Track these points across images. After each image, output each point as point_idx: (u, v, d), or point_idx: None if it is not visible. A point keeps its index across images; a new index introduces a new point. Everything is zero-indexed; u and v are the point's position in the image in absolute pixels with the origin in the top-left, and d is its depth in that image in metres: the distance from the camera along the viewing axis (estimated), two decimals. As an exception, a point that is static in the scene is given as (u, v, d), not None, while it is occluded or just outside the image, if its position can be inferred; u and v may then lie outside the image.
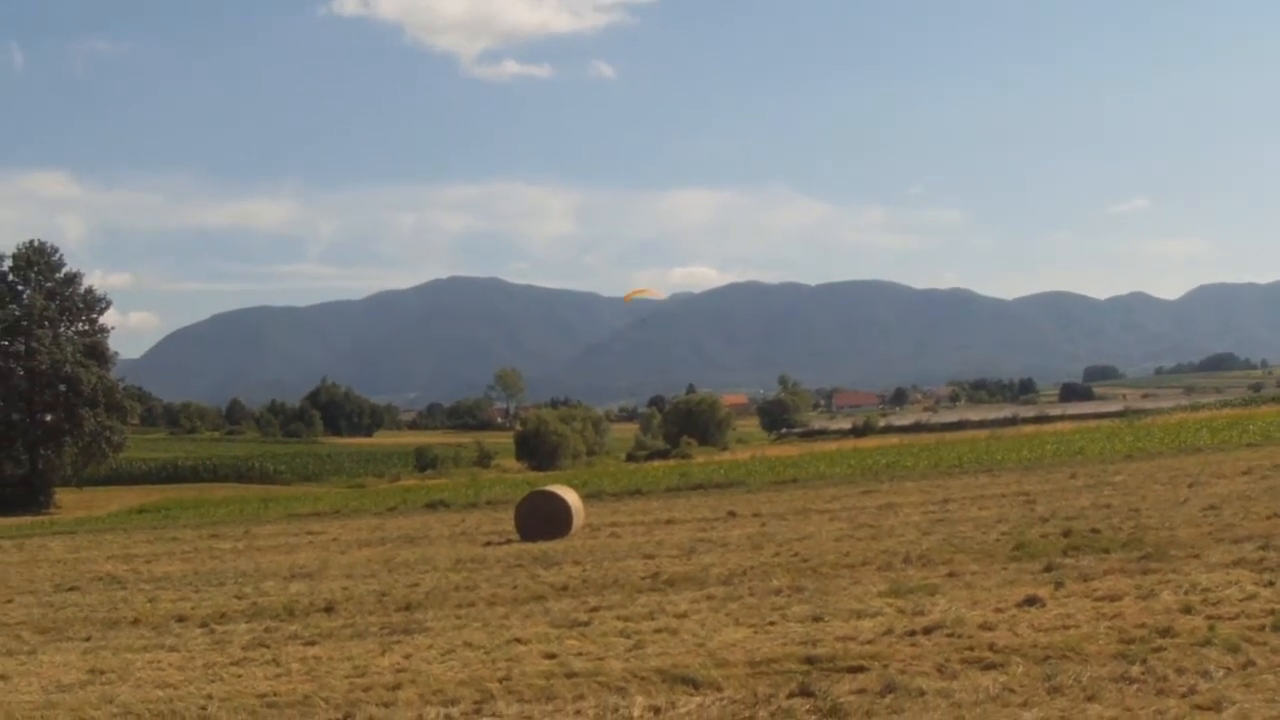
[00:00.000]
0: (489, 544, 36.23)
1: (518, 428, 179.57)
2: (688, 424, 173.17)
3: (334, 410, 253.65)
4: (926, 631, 16.52)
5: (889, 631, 16.80)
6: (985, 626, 16.53)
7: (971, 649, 15.21)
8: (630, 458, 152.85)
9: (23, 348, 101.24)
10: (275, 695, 16.06)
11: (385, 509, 59.59)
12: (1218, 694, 12.22)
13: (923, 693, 13.34)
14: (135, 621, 25.03)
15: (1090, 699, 12.59)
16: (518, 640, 18.77)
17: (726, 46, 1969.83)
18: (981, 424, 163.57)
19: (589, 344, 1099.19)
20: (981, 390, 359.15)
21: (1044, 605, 17.86)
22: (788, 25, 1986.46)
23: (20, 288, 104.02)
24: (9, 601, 30.57)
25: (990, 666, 14.29)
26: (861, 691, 13.63)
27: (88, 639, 23.21)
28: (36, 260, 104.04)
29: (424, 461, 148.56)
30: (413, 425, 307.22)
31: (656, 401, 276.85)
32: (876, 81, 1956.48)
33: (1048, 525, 28.05)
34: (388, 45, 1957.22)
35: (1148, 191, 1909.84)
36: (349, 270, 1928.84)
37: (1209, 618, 15.80)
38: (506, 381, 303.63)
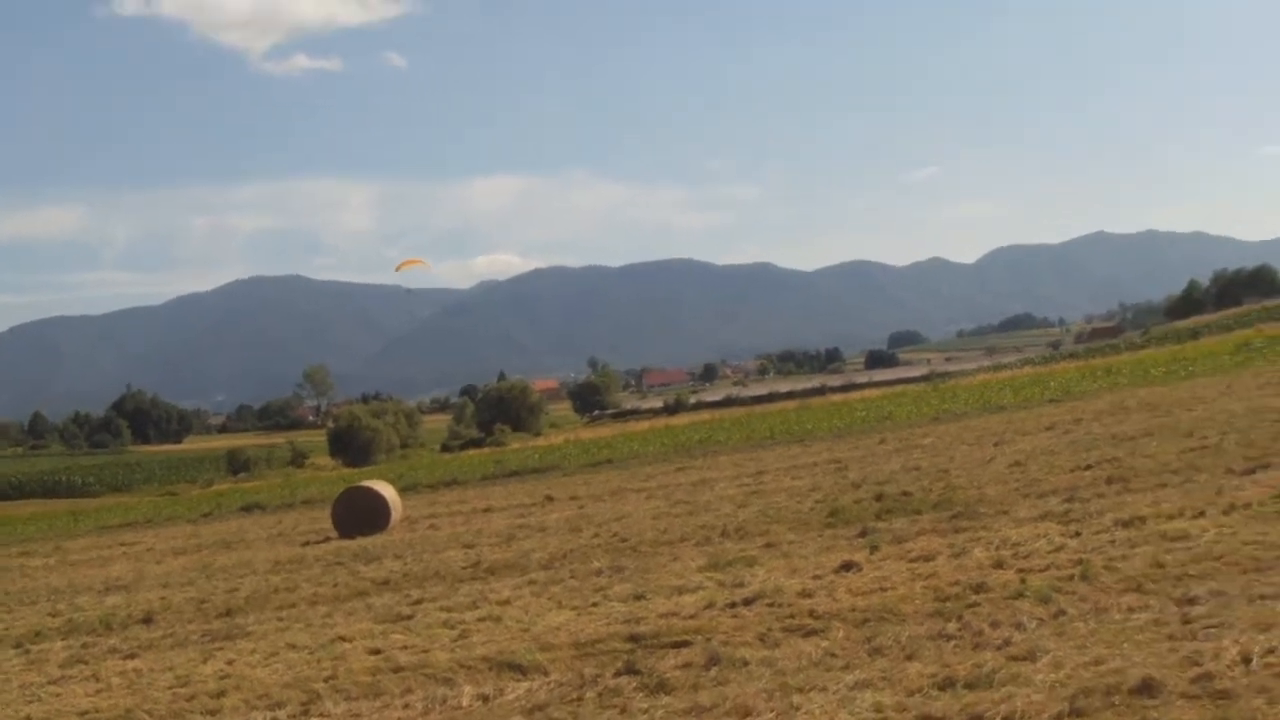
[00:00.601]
0: (307, 544, 36.02)
1: (330, 425, 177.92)
2: (500, 411, 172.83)
3: (141, 418, 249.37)
4: (747, 603, 16.66)
5: (710, 605, 16.92)
6: (804, 594, 16.71)
7: (792, 617, 15.38)
8: (445, 448, 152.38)
9: None
10: (97, 712, 15.83)
11: (199, 515, 59.03)
12: (1032, 644, 12.51)
13: (746, 663, 13.48)
14: (-54, 647, 24.50)
15: (910, 658, 12.82)
16: (342, 638, 18.66)
17: (517, 32, 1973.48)
18: (791, 395, 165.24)
19: (395, 337, 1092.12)
20: (789, 362, 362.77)
21: (860, 569, 18.11)
22: (576, 6, 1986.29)
23: None
24: None
25: (811, 633, 14.47)
26: (687, 665, 13.74)
27: (-103, 670, 22.69)
28: None
29: (237, 465, 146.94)
30: (223, 429, 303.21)
31: (468, 391, 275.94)
32: (668, 60, 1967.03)
33: (860, 491, 28.44)
34: (173, 44, 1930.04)
35: (939, 159, 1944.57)
36: (146, 275, 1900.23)
37: (1020, 571, 16.13)
38: (315, 379, 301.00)
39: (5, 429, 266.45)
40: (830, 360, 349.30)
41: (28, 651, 22.38)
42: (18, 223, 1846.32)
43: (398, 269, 60.55)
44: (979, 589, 15.37)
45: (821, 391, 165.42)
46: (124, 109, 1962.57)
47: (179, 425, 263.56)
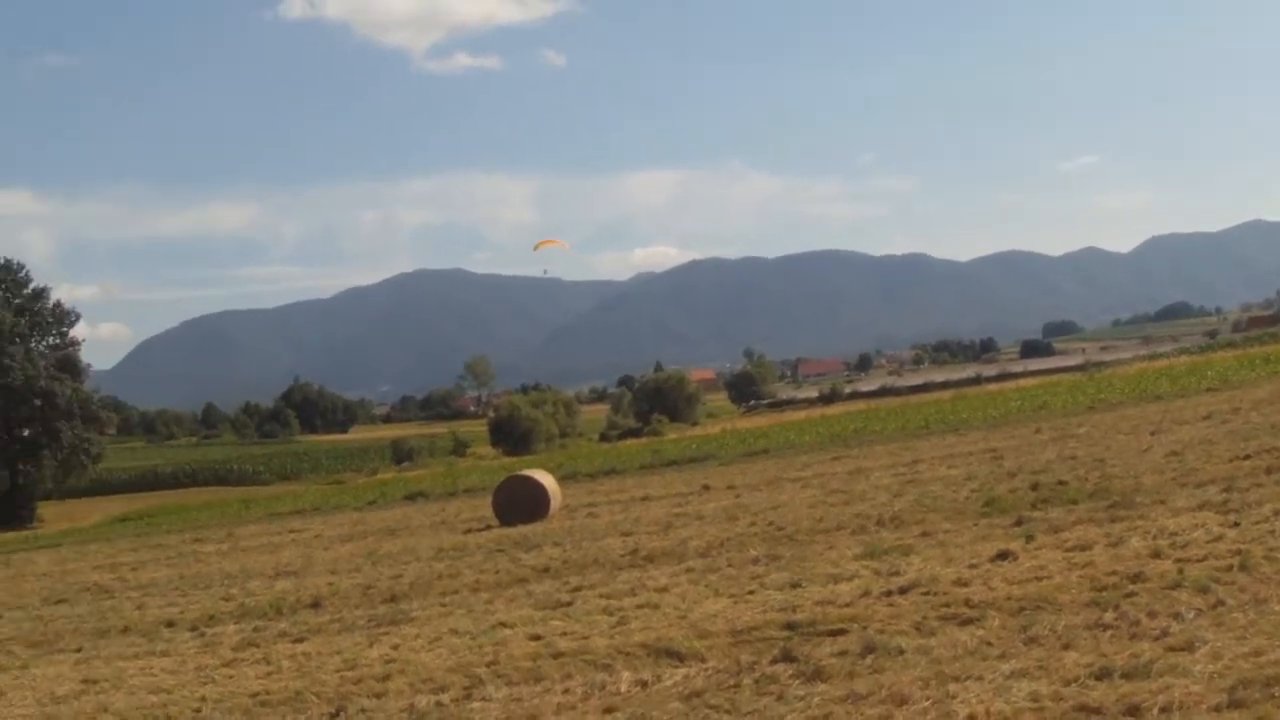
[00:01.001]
0: (469, 531, 36.24)
1: (490, 415, 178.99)
2: (658, 401, 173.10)
3: (308, 409, 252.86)
4: (903, 591, 16.56)
5: (866, 593, 16.84)
6: (960, 583, 16.58)
7: (948, 605, 15.26)
8: (603, 438, 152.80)
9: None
10: (267, 694, 16.07)
11: (365, 503, 59.63)
12: (1190, 635, 12.30)
13: (902, 651, 13.39)
14: (125, 629, 24.99)
15: (1066, 647, 12.65)
16: (503, 624, 18.78)
17: (673, 28, 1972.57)
18: (946, 385, 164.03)
19: (555, 328, 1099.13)
20: (944, 352, 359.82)
21: (1016, 559, 17.92)
22: (733, 3, 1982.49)
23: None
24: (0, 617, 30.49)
25: (967, 621, 14.35)
26: (843, 653, 13.67)
27: (79, 650, 23.17)
28: (4, 278, 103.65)
29: (400, 454, 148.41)
30: (387, 419, 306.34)
31: (626, 381, 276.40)
32: (823, 54, 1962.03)
33: (1016, 480, 28.15)
34: (337, 45, 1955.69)
35: (1096, 147, 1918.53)
36: (315, 269, 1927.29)
37: (1178, 561, 15.87)
38: (477, 370, 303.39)
39: (180, 419, 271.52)
40: (985, 350, 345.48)
41: (202, 634, 22.78)
42: (192, 220, 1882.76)
43: (536, 248, 60.68)
44: (1136, 579, 15.14)
45: (977, 381, 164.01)
46: (292, 109, 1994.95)
47: (345, 415, 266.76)
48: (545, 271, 72.71)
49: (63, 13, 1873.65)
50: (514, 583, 23.59)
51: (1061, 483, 26.06)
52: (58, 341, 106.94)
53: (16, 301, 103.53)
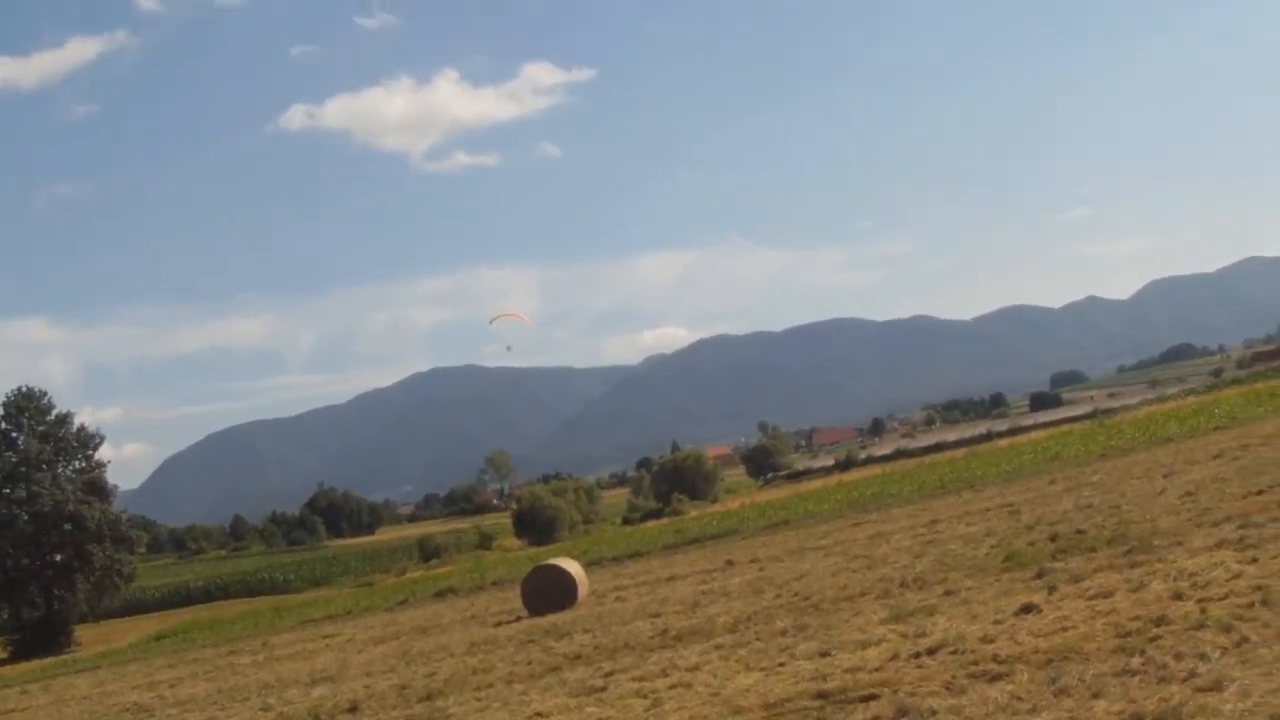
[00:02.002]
0: (500, 624, 36.15)
1: (514, 507, 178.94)
2: (677, 481, 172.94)
3: (334, 513, 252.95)
4: (931, 652, 16.55)
5: (895, 656, 16.82)
6: (986, 639, 16.56)
7: (976, 663, 15.25)
8: (625, 521, 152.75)
9: (24, 493, 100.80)
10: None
11: (396, 603, 59.54)
12: (1218, 674, 12.28)
13: (934, 712, 13.38)
14: (165, 748, 24.95)
15: (1096, 696, 12.63)
16: (539, 714, 18.76)
17: (665, 112, 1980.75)
18: (959, 443, 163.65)
19: (569, 416, 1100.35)
20: (955, 410, 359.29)
21: (1040, 611, 17.91)
22: (720, 83, 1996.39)
23: (14, 435, 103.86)
24: (42, 743, 30.46)
25: (996, 677, 14.33)
26: (875, 719, 13.65)
27: (120, 772, 23.16)
28: (27, 406, 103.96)
29: (428, 551, 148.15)
30: (412, 518, 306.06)
31: (644, 463, 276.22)
32: (814, 125, 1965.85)
33: (1034, 532, 28.08)
34: (339, 152, 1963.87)
35: (1088, 197, 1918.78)
36: (332, 375, 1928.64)
37: (1200, 601, 15.87)
38: (497, 463, 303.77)
39: (208, 533, 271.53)
40: (995, 405, 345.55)
41: (242, 747, 22.74)
42: (209, 335, 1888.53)
43: (492, 321, 60.31)
44: (1160, 622, 15.13)
45: (989, 437, 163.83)
46: (298, 218, 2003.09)
47: (370, 518, 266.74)
48: (509, 349, 72.01)
49: (70, 141, 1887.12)
50: (547, 672, 23.52)
51: (1079, 532, 26.01)
52: (83, 465, 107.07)
53: (41, 429, 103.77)
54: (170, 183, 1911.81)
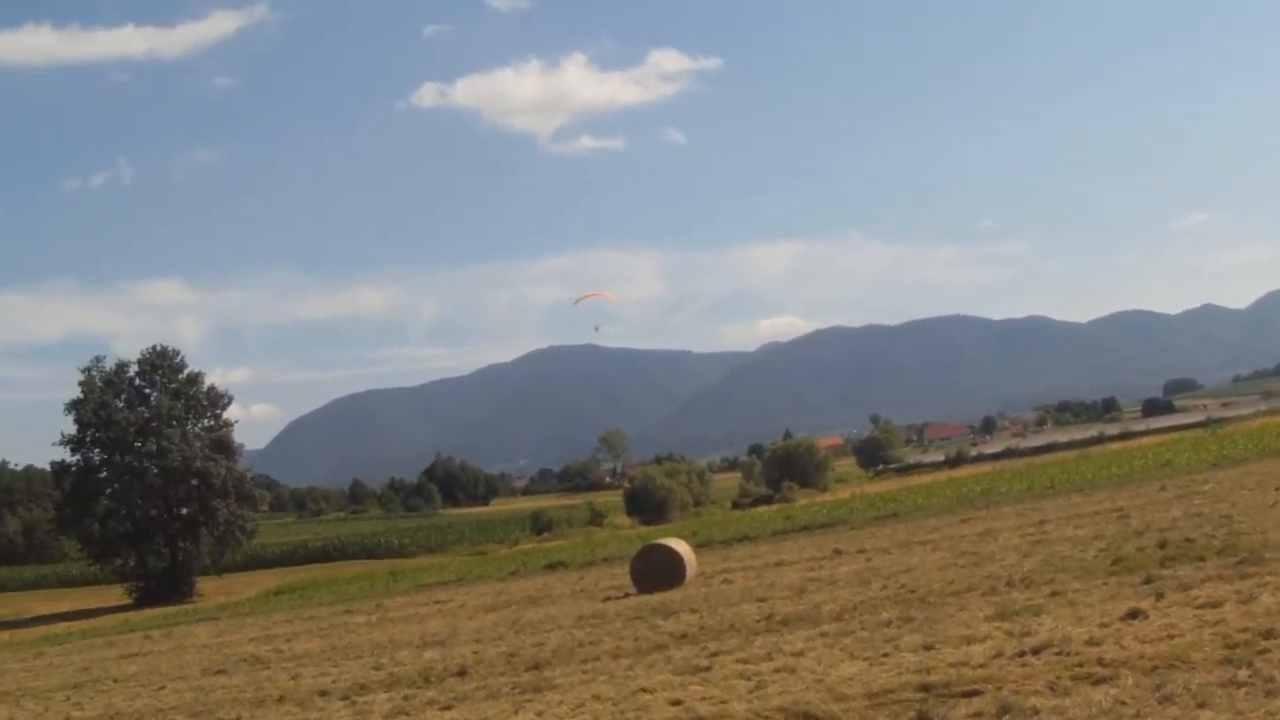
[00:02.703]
0: (608, 599, 36.20)
1: (626, 485, 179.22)
2: (788, 468, 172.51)
3: (451, 483, 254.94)
4: (1035, 651, 16.38)
5: (999, 654, 16.66)
6: (1092, 642, 16.37)
7: (1080, 665, 15.07)
8: (736, 505, 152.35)
9: (154, 447, 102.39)
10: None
11: (507, 573, 59.75)
12: (1326, 691, 12.05)
13: (1037, 711, 13.25)
14: (280, 699, 25.19)
15: (1201, 705, 12.45)
16: (644, 690, 18.74)
17: (789, 103, 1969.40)
18: (1070, 445, 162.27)
19: (685, 399, 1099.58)
20: (1067, 412, 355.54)
21: (1147, 617, 17.70)
22: (847, 77, 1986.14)
23: (148, 391, 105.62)
24: (161, 688, 30.88)
25: (1100, 681, 14.16)
26: (978, 715, 13.54)
27: (237, 719, 23.40)
28: (160, 364, 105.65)
29: (540, 525, 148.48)
30: (526, 491, 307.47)
31: (756, 449, 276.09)
32: (937, 124, 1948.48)
33: (1143, 538, 27.71)
34: (468, 131, 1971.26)
35: (1207, 204, 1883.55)
36: (453, 349, 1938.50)
37: (1310, 616, 15.58)
38: (611, 442, 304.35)
39: (328, 495, 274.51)
40: (1107, 409, 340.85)
41: (354, 703, 22.90)
42: (336, 304, 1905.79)
43: (578, 302, 59.80)
44: (1269, 635, 14.88)
45: (1100, 440, 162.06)
46: (426, 194, 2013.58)
47: (485, 489, 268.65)
48: (596, 329, 71.24)
49: (210, 111, 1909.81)
50: (653, 649, 23.51)
51: (1189, 540, 25.63)
52: (212, 423, 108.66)
53: (173, 386, 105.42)
54: (304, 155, 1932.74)
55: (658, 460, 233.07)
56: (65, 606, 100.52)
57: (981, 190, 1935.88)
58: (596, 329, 70.88)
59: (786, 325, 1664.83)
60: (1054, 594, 21.59)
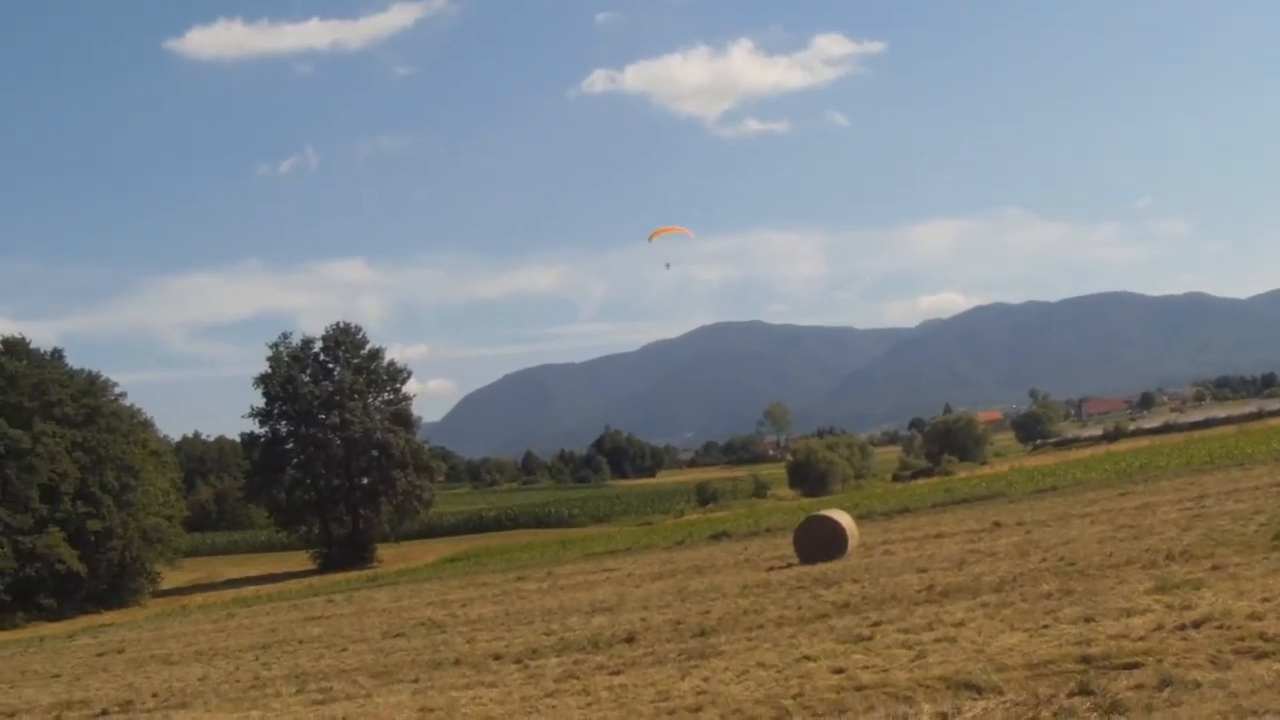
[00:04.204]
0: (771, 569, 36.06)
1: (789, 458, 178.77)
2: (947, 442, 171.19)
3: (618, 455, 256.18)
4: (1196, 625, 16.03)
5: (1159, 627, 16.33)
6: (1254, 616, 15.99)
7: (1242, 639, 14.71)
8: (896, 478, 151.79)
9: (338, 419, 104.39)
10: (588, 723, 16.18)
11: (673, 543, 59.79)
12: None
13: (1199, 685, 12.95)
14: (456, 661, 25.46)
15: (1367, 679, 12.10)
16: (807, 658, 18.65)
17: (951, 85, 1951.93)
18: (1228, 420, 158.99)
19: (847, 375, 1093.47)
20: (1225, 388, 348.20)
21: (1311, 592, 17.25)
22: (1007, 59, 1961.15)
23: (331, 366, 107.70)
24: (344, 650, 31.39)
25: (1263, 655, 13.82)
26: (1139, 687, 13.26)
27: (416, 680, 23.69)
28: (344, 340, 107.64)
29: (705, 496, 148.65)
30: (691, 463, 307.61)
31: (916, 424, 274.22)
32: (1098, 104, 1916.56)
33: (1306, 513, 27.06)
34: (637, 115, 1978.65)
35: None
36: (621, 325, 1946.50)
37: None
38: (775, 415, 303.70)
39: (502, 466, 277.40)
40: (1266, 385, 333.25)
41: (526, 666, 23.07)
42: (509, 283, 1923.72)
43: (652, 238, 58.65)
44: None
45: (1259, 416, 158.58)
46: (596, 176, 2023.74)
47: (652, 461, 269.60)
48: (668, 266, 69.48)
49: (391, 99, 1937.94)
50: (816, 618, 23.40)
51: (1353, 514, 24.95)
52: (391, 397, 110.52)
53: (355, 361, 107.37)
54: (479, 140, 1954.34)
55: (819, 434, 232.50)
56: (254, 571, 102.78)
57: (1141, 169, 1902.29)
58: (668, 266, 69.00)
59: (947, 302, 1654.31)
60: (1214, 568, 21.13)
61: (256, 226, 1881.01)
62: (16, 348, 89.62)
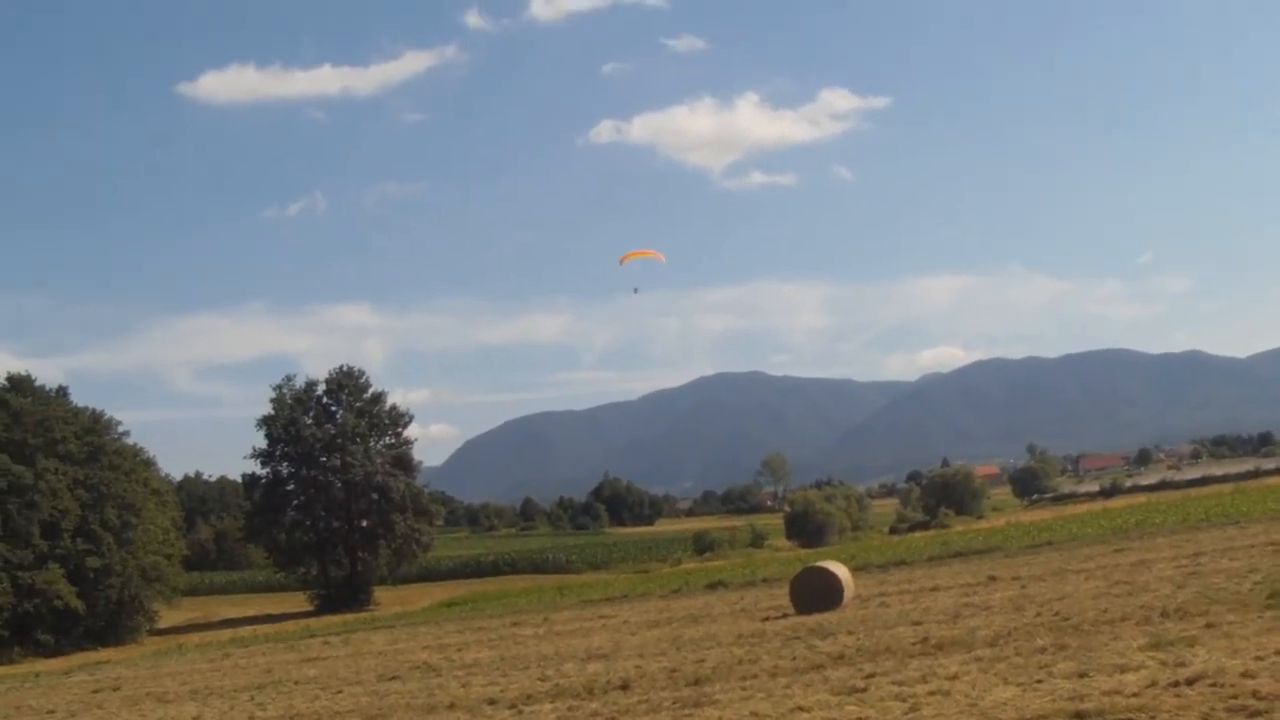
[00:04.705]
0: (767, 619, 36.01)
1: (786, 509, 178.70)
2: (945, 496, 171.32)
3: (617, 502, 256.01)
4: (1190, 682, 16.08)
5: (1153, 684, 16.36)
6: (1247, 675, 16.02)
7: (1235, 697, 14.74)
8: (893, 530, 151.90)
9: (339, 462, 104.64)
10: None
11: (669, 591, 59.69)
12: None
13: (1191, 742, 12.92)
14: (451, 706, 25.40)
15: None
16: (801, 708, 18.65)
17: (955, 141, 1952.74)
18: (1225, 478, 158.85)
19: (847, 427, 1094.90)
20: (1222, 446, 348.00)
21: (1304, 651, 17.24)
22: (1010, 117, 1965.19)
23: (334, 409, 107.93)
24: (339, 692, 31.32)
25: (1255, 714, 13.85)
26: (1132, 743, 13.25)
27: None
28: (346, 383, 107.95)
29: (702, 545, 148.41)
30: (689, 512, 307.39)
31: (914, 477, 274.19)
32: (1100, 161, 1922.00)
33: (1301, 573, 27.04)
34: (642, 166, 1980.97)
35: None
36: (622, 373, 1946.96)
37: None
38: (774, 466, 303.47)
39: (501, 512, 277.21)
40: (1263, 444, 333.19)
41: (520, 713, 23.05)
42: (512, 329, 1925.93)
43: (623, 261, 58.28)
44: None
45: (1256, 475, 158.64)
46: (600, 225, 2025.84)
47: (650, 509, 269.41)
48: (636, 290, 69.01)
49: (400, 145, 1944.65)
50: (810, 669, 23.37)
51: (1347, 576, 24.94)
52: (393, 440, 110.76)
53: (357, 405, 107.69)
54: (487, 187, 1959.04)
55: (818, 485, 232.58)
56: (251, 611, 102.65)
57: (1144, 226, 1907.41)
58: (636, 290, 68.53)
59: (947, 356, 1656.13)
60: (1209, 625, 21.14)
61: (263, 269, 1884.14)
62: (22, 385, 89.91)
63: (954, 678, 19.49)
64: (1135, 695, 15.76)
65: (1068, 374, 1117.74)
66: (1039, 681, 18.00)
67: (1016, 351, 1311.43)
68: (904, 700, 18.07)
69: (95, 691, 42.35)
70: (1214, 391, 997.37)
